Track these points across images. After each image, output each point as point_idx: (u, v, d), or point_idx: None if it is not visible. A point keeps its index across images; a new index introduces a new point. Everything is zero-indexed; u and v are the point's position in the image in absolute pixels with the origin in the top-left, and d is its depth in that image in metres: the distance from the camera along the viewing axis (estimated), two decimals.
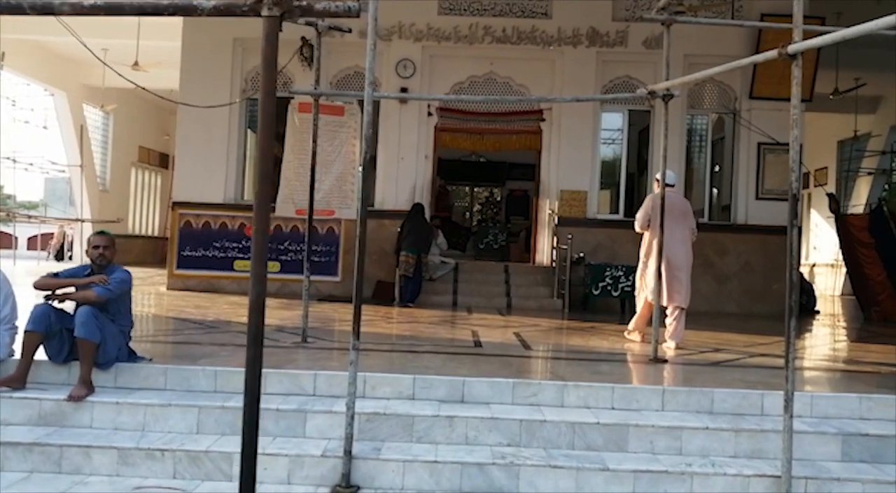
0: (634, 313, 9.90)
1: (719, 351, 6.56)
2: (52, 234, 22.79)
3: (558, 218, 11.10)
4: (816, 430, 4.29)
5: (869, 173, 17.74)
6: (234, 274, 11.22)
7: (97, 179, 18.81)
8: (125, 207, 20.13)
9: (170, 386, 4.55)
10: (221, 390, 4.52)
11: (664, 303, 6.35)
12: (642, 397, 4.53)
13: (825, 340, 8.30)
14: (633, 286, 10.37)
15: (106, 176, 19.52)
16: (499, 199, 19.44)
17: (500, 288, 10.88)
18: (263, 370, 4.63)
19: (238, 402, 4.32)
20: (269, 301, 8.47)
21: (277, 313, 8.21)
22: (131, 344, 4.78)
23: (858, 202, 17.42)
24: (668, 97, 5.84)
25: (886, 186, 18.43)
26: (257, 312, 2.34)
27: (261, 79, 2.38)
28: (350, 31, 6.97)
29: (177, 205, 11.43)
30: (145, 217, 21.64)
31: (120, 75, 10.13)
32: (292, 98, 11.56)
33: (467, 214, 20.26)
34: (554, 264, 10.83)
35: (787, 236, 3.92)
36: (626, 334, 7.09)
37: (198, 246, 11.32)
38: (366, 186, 4.32)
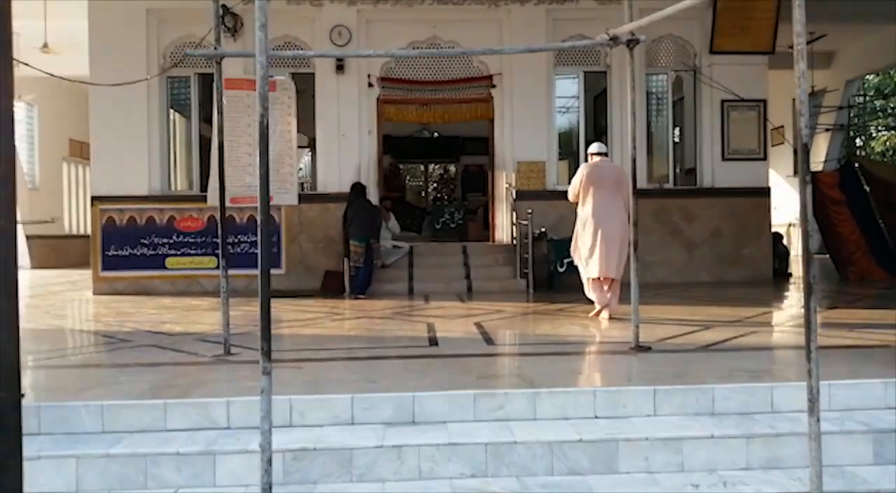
0: None
1: (707, 329, 5.84)
2: None
3: (516, 192, 10.29)
4: (841, 428, 3.57)
5: (827, 129, 17.35)
6: (167, 273, 10.17)
7: (25, 177, 17.37)
8: (59, 206, 18.74)
9: (45, 429, 3.62)
10: (110, 429, 3.60)
11: (599, 275, 6.46)
12: (631, 401, 3.76)
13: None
14: None
15: (35, 173, 18.05)
16: (454, 175, 18.58)
17: (459, 271, 10.06)
18: (163, 403, 3.77)
19: (130, 446, 3.42)
20: (203, 302, 7.46)
21: (209, 317, 7.27)
22: None
23: (818, 160, 17.03)
24: (633, 43, 5.02)
25: (846, 143, 18.14)
26: None
27: None
28: None
29: (96, 200, 10.28)
30: (82, 215, 20.18)
31: (22, 63, 8.89)
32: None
33: (422, 193, 19.37)
34: (515, 242, 10.04)
35: (799, 194, 3.14)
36: (591, 316, 6.71)
37: (124, 244, 10.22)
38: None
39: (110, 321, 7.23)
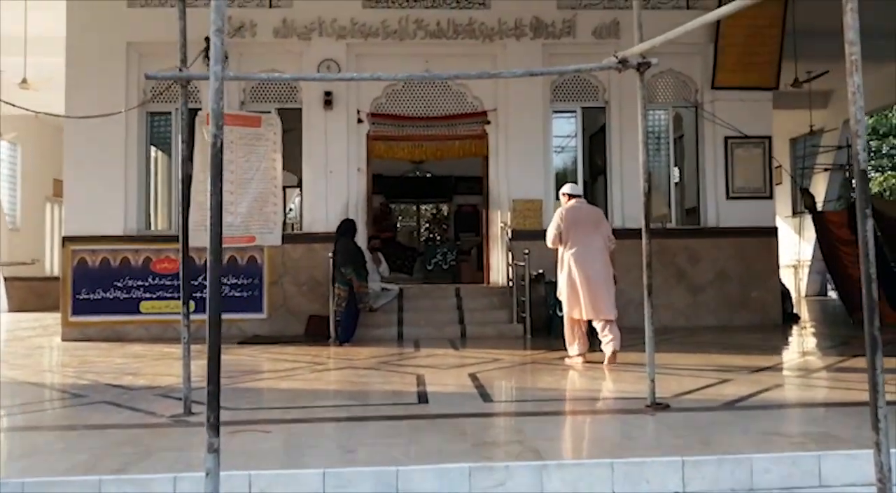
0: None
1: (725, 382, 5.27)
2: None
3: (512, 231, 9.79)
4: None
5: (825, 169, 17.08)
6: (141, 318, 9.55)
7: (6, 218, 16.82)
8: (40, 247, 18.16)
9: None
10: None
11: (589, 317, 6.31)
12: (655, 475, 3.17)
13: (831, 357, 7.09)
14: None
15: (16, 213, 17.52)
16: (446, 215, 18.11)
17: (452, 315, 9.48)
18: (98, 479, 3.15)
19: None
20: (177, 349, 6.75)
21: (180, 367, 6.62)
22: None
23: (817, 200, 16.71)
24: (643, 66, 4.57)
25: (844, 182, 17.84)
26: None
27: None
28: None
29: (68, 240, 9.72)
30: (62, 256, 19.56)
31: (4, 102, 8.42)
32: (199, 109, 10.15)
33: (414, 233, 18.87)
34: (511, 284, 9.48)
35: (859, 228, 2.63)
36: (566, 361, 6.55)
37: (96, 287, 9.63)
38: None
39: (69, 372, 6.60)
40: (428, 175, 16.89)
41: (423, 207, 18.99)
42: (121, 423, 4.19)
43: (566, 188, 6.78)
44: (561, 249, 6.50)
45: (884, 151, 21.93)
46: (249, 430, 3.88)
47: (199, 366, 6.77)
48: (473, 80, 10.22)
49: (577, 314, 6.39)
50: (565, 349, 6.62)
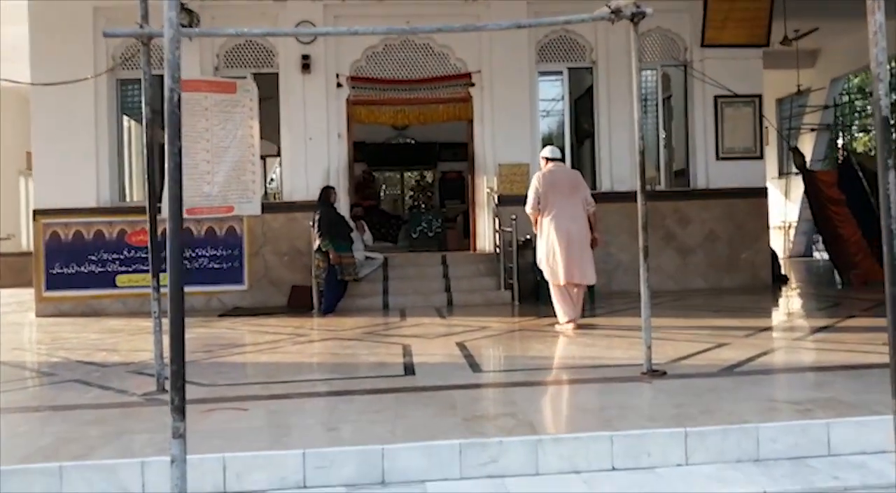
0: (594, 298, 8.69)
1: (723, 346, 5.11)
2: None
3: (498, 197, 9.54)
4: None
5: (812, 129, 16.90)
6: (117, 291, 9.27)
7: None
8: (15, 222, 17.71)
9: None
10: None
11: (569, 280, 6.23)
12: (656, 448, 2.99)
13: (825, 318, 6.95)
14: None
15: None
16: (431, 182, 17.80)
17: (439, 283, 9.27)
18: (58, 466, 2.91)
19: None
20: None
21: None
22: None
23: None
24: (637, 16, 4.30)
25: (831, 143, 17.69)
26: None
27: None
28: None
29: (39, 214, 9.37)
30: None
31: None
32: None
33: (399, 201, 18.54)
34: (498, 250, 9.27)
35: (880, 183, 2.41)
36: (557, 327, 6.38)
37: (70, 261, 9.32)
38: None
39: (41, 349, 6.35)
40: (412, 141, 16.55)
41: (407, 174, 18.65)
42: (89, 403, 3.96)
43: (545, 152, 6.70)
44: (540, 216, 6.39)
45: (869, 111, 21.73)
46: (226, 408, 3.66)
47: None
48: (457, 41, 9.88)
49: (561, 279, 6.27)
50: (555, 316, 6.43)
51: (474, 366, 4.76)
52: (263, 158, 13.74)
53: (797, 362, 4.77)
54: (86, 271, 9.30)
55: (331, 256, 8.14)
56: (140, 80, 10.05)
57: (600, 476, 2.91)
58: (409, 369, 4.66)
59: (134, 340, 6.68)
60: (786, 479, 2.82)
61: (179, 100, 2.42)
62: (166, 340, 6.48)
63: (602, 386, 4.02)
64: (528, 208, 6.42)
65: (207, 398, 3.92)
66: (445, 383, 4.13)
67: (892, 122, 2.44)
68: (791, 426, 3.07)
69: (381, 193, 17.95)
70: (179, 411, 2.25)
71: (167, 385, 4.26)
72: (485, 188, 9.94)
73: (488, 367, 5.00)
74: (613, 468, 2.96)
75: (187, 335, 6.70)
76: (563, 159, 6.83)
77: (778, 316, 7.49)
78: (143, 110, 4.51)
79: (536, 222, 6.46)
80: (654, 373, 4.14)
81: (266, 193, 14.02)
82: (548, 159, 6.58)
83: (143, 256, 9.23)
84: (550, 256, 6.31)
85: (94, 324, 8.08)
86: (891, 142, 2.41)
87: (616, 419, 3.20)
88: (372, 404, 3.66)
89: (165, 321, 7.62)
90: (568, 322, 6.28)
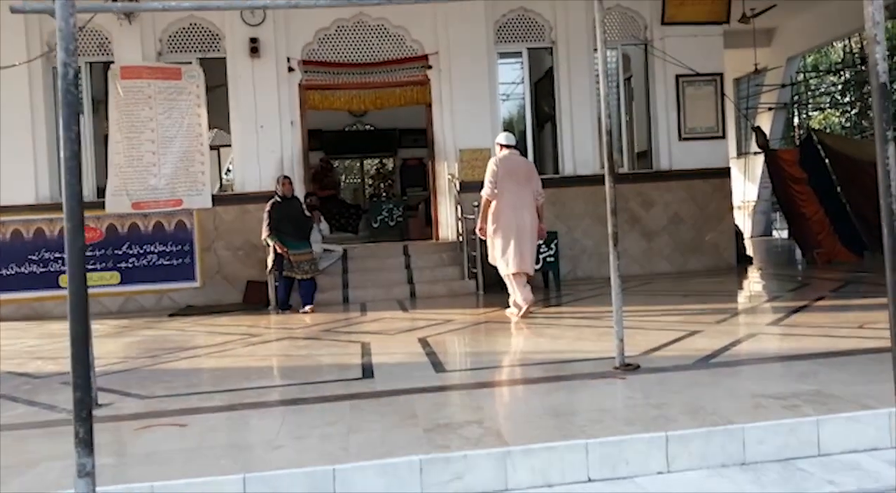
0: (559, 284, 8.51)
1: (695, 334, 4.91)
2: None
3: (460, 183, 9.25)
4: None
5: (770, 109, 16.94)
6: (61, 293, 8.72)
7: None
8: None
9: None
10: None
11: (516, 269, 6.17)
12: (635, 455, 2.75)
13: (796, 301, 6.82)
14: (556, 256, 8.83)
15: None
16: (391, 170, 17.41)
17: (401, 274, 8.96)
18: None
19: None
20: (103, 325, 6.09)
21: (104, 346, 5.98)
22: None
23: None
24: None
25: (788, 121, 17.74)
26: None
27: None
28: None
29: None
30: None
31: None
32: (112, 63, 9.20)
33: (359, 190, 18.12)
34: (461, 239, 8.99)
35: (878, 155, 2.17)
36: (509, 314, 6.32)
37: (8, 262, 8.80)
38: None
39: None
40: (370, 128, 16.14)
41: (366, 162, 18.24)
42: (10, 423, 3.57)
43: (501, 138, 6.60)
44: (493, 202, 6.27)
45: (822, 89, 21.90)
46: (162, 424, 3.32)
47: (121, 345, 6.15)
48: (413, 21, 9.52)
49: (512, 268, 6.22)
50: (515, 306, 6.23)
51: (437, 365, 4.47)
52: (219, 148, 13.22)
53: (775, 350, 4.58)
54: (26, 271, 8.79)
55: (277, 249, 7.73)
56: (79, 68, 9.59)
57: (576, 489, 2.65)
58: (368, 371, 4.36)
59: None
60: (776, 486, 2.59)
61: (76, 76, 2.07)
62: (105, 344, 6.08)
63: (574, 384, 3.76)
64: (485, 193, 6.30)
65: (143, 414, 3.56)
66: (406, 386, 3.84)
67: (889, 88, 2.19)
68: (779, 425, 2.85)
69: (341, 183, 17.52)
70: (86, 444, 1.91)
71: (101, 398, 3.93)
72: (446, 175, 9.63)
73: (452, 366, 4.72)
74: (589, 479, 2.70)
75: (132, 339, 6.29)
76: (517, 147, 6.62)
77: (747, 299, 7.35)
78: (55, 98, 4.07)
79: (487, 208, 6.29)
80: (628, 367, 3.91)
81: (222, 185, 13.52)
82: (503, 146, 6.47)
83: (89, 253, 8.76)
84: (504, 243, 6.24)
85: (35, 328, 7.61)
86: (888, 110, 2.17)
87: (591, 425, 2.94)
88: (324, 415, 3.34)
89: (99, 325, 7.16)
90: (517, 307, 6.18)
